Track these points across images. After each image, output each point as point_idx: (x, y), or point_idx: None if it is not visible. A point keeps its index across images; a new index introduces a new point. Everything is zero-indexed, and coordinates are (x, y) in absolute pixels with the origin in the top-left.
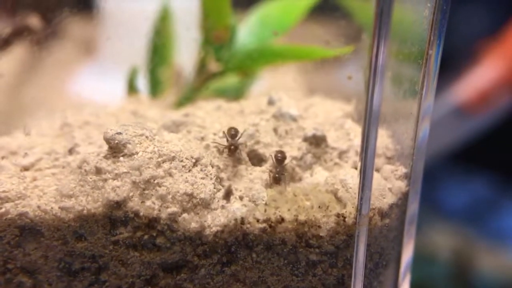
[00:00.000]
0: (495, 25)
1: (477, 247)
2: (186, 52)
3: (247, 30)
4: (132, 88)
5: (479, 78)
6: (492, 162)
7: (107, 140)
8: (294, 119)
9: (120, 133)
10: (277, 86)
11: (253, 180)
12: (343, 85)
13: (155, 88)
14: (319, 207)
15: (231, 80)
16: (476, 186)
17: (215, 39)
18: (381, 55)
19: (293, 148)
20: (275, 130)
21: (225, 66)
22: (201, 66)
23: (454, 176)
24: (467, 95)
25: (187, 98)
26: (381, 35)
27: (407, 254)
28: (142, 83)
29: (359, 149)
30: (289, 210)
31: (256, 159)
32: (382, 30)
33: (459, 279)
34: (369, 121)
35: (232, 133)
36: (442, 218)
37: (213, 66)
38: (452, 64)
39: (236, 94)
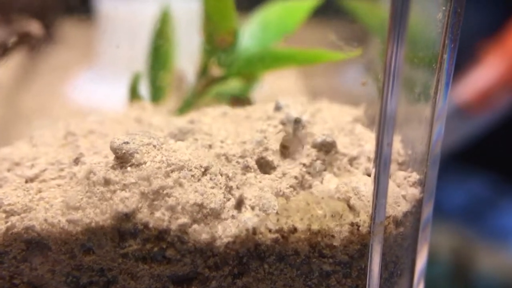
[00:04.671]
0: (496, 25)
1: (476, 246)
2: (187, 57)
3: (248, 34)
4: (134, 94)
5: (479, 78)
6: (489, 162)
7: (114, 150)
8: (302, 125)
9: (127, 143)
10: (278, 91)
11: (263, 188)
12: (346, 89)
13: (156, 93)
14: (332, 216)
15: (233, 85)
16: (474, 185)
17: (219, 43)
18: (396, 58)
19: (302, 155)
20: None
21: (227, 71)
22: (203, 71)
23: (451, 175)
24: (467, 96)
25: (189, 103)
26: (396, 38)
27: (421, 261)
28: (143, 88)
29: (371, 155)
30: (301, 219)
31: (265, 167)
32: (398, 33)
33: (458, 278)
34: (383, 126)
35: None
36: (440, 218)
37: (215, 70)
38: None
39: None
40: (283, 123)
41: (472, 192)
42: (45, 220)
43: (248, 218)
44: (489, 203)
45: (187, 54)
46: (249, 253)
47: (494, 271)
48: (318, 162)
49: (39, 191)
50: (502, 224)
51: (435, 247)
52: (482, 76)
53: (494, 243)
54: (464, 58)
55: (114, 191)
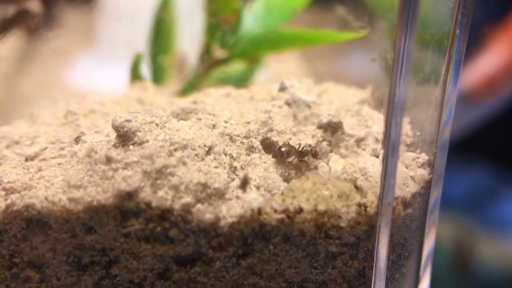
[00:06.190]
0: (501, 11)
1: (477, 236)
2: (189, 39)
3: (252, 15)
4: (135, 75)
5: (484, 65)
6: (491, 151)
7: (116, 128)
8: (308, 105)
9: (129, 121)
10: (282, 73)
11: (268, 169)
12: (351, 72)
13: (158, 75)
14: (339, 196)
15: (236, 67)
16: (476, 175)
17: (222, 23)
18: (407, 38)
19: (308, 136)
20: (289, 117)
21: (230, 52)
22: (206, 52)
23: (453, 164)
24: (472, 82)
25: (192, 85)
26: (407, 19)
27: (429, 244)
28: (144, 71)
29: (378, 136)
30: (307, 200)
31: (270, 147)
32: (409, 11)
33: (459, 268)
34: (392, 108)
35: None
36: (441, 208)
37: (218, 52)
38: None
39: (241, 81)
40: (288, 103)
41: (474, 182)
42: (46, 198)
43: (253, 198)
44: (490, 192)
45: (190, 36)
46: (254, 233)
47: (495, 260)
48: (324, 143)
49: (39, 169)
50: (503, 214)
51: (436, 236)
52: (487, 62)
53: (495, 233)
54: (468, 44)
55: (116, 170)
